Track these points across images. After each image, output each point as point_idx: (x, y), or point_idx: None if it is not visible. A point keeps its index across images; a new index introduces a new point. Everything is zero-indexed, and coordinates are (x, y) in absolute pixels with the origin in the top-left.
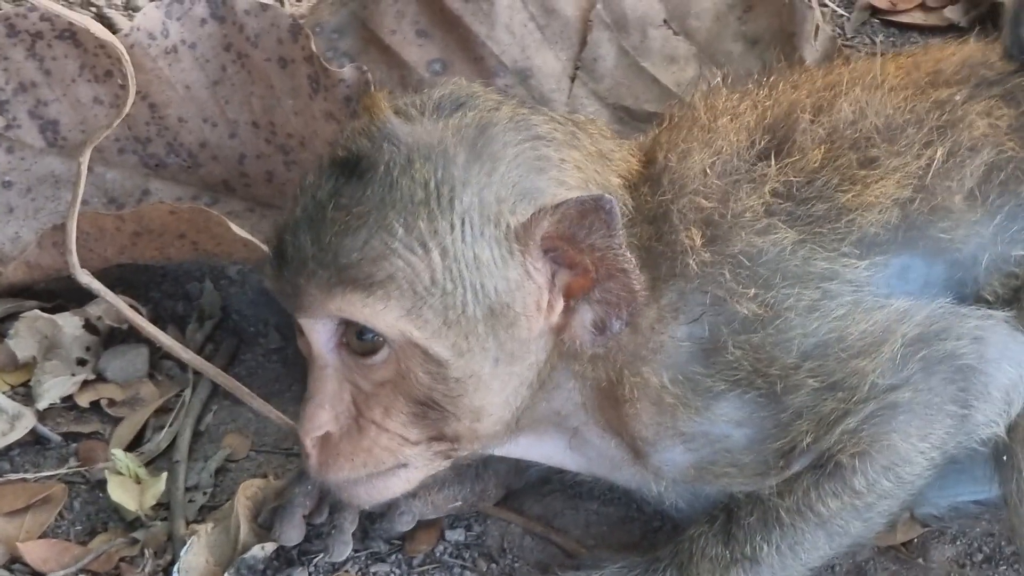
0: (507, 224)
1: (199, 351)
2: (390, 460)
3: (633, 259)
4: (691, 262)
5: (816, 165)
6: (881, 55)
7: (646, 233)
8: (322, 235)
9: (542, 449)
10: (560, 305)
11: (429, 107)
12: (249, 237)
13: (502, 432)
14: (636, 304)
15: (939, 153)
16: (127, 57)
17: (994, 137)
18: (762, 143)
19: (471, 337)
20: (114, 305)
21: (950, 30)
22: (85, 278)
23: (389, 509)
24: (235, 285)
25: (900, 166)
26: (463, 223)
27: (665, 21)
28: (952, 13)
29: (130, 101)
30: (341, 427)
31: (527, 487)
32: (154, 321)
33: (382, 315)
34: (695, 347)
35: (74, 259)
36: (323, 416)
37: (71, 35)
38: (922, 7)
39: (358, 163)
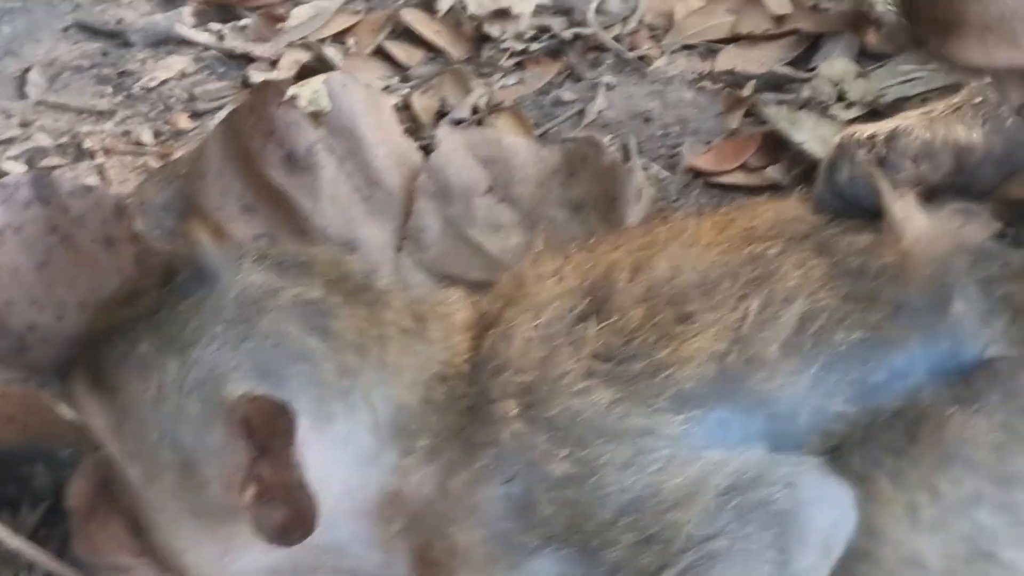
0: (222, 391)
1: (32, 535)
2: None
3: (308, 483)
4: (506, 431)
5: (635, 324)
6: (699, 214)
7: (462, 411)
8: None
9: None
10: (251, 491)
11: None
12: (71, 418)
13: None
14: (306, 527)
15: (754, 305)
16: None
17: (807, 288)
18: (582, 306)
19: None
20: None
21: (773, 189)
22: None
23: None
24: (68, 467)
25: (716, 320)
26: (187, 368)
27: (489, 189)
28: (774, 172)
29: None
30: None
31: None
32: None
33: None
34: (509, 505)
35: None
36: None
37: None
38: (744, 168)
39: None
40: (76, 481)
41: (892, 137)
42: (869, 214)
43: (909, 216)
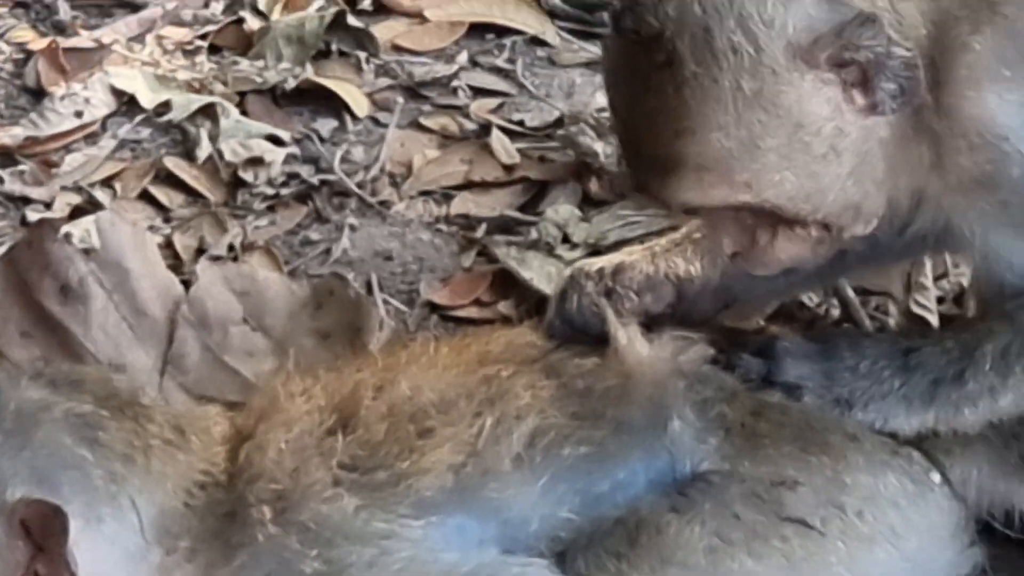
0: (3, 495)
1: None
2: None
3: None
4: (261, 533)
5: (379, 438)
6: (436, 338)
7: (222, 515)
8: None
9: None
10: None
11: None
12: None
13: None
14: None
15: (488, 422)
16: None
17: (537, 406)
18: (330, 421)
19: None
20: None
21: (503, 321)
22: None
23: None
24: None
25: (453, 435)
26: None
27: (244, 319)
28: (504, 307)
29: None
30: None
31: None
32: None
33: None
34: None
35: None
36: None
37: None
38: (476, 302)
39: None
40: None
41: (618, 271)
42: (595, 340)
43: (631, 342)
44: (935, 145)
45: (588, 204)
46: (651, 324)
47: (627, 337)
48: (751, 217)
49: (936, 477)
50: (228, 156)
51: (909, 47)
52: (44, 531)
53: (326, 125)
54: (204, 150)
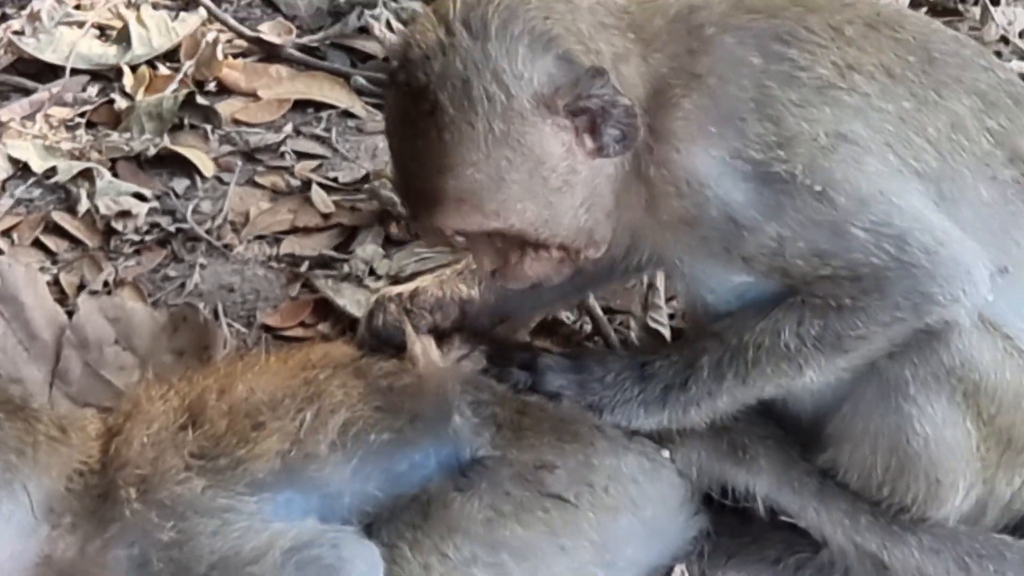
0: None
1: None
2: None
3: None
4: (127, 510)
5: (221, 431)
6: (267, 351)
7: (96, 496)
8: None
9: None
10: None
11: None
12: None
13: None
14: None
15: (308, 415)
16: None
17: (348, 402)
18: (182, 418)
19: None
20: None
21: (323, 339)
22: None
23: None
24: None
25: (280, 427)
26: None
27: (116, 341)
28: (324, 328)
29: None
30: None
31: None
32: None
33: None
34: (131, 563)
35: None
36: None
37: None
38: (302, 324)
39: None
40: None
41: (413, 294)
42: (396, 350)
43: (424, 351)
44: (650, 188)
45: (390, 244)
46: (441, 337)
47: (420, 347)
48: (502, 240)
49: (666, 455)
50: (103, 210)
51: (630, 99)
52: None
53: (180, 184)
54: (83, 206)
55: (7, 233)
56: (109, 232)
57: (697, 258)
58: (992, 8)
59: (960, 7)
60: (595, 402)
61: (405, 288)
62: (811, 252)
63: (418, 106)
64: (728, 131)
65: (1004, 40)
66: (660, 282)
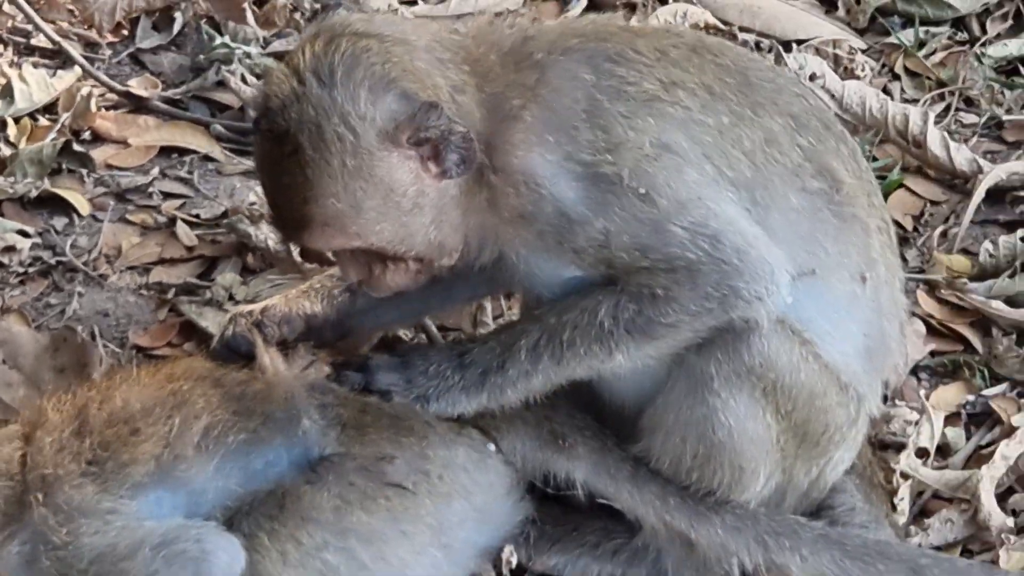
0: None
1: None
2: None
3: None
4: (32, 512)
5: (108, 439)
6: (138, 367)
7: (9, 498)
8: None
9: None
10: None
11: None
12: None
13: None
14: None
15: (176, 421)
16: None
17: (209, 408)
18: (75, 427)
19: None
20: None
21: (188, 355)
22: None
23: None
24: None
25: (153, 432)
26: None
27: (3, 360)
28: (189, 347)
29: None
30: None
31: None
32: None
33: None
34: (21, 560)
35: None
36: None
37: None
38: (169, 344)
39: None
40: None
41: (264, 310)
42: (247, 360)
43: (273, 360)
44: (492, 193)
45: (247, 272)
46: (287, 349)
47: (268, 357)
48: (365, 256)
49: (492, 447)
50: None
51: (465, 126)
52: None
53: (60, 222)
54: None
55: None
56: None
57: (533, 252)
58: (784, 54)
59: (756, 52)
60: (421, 394)
61: (256, 306)
62: (633, 246)
63: (281, 148)
64: (562, 137)
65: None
66: (487, 301)
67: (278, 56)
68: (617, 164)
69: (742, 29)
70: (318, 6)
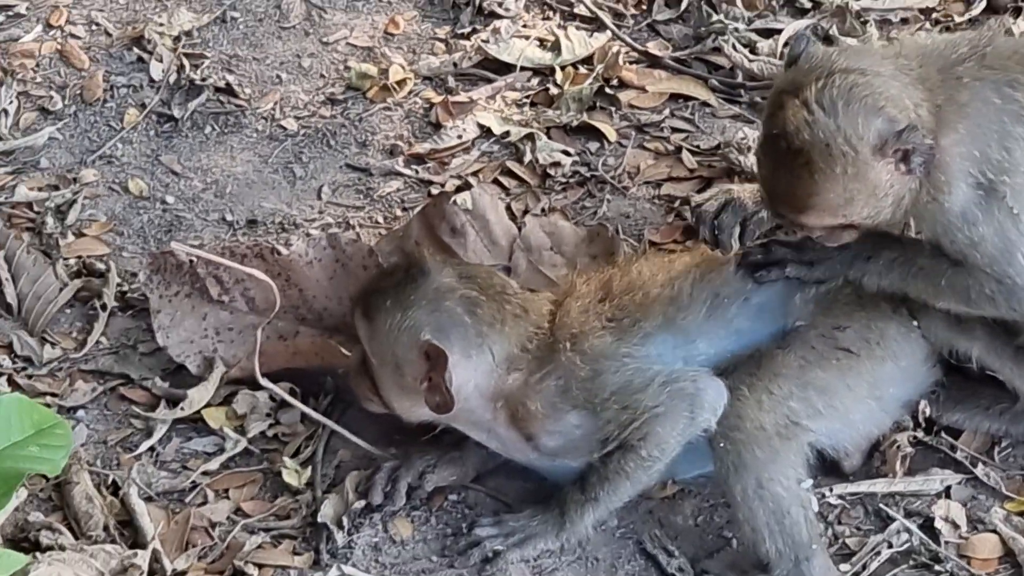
0: (419, 334)
1: (323, 412)
2: None
3: (449, 387)
4: (562, 356)
5: (625, 302)
6: (642, 256)
7: (543, 346)
8: None
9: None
10: (425, 384)
11: None
12: (346, 352)
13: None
14: (448, 407)
15: (679, 286)
16: (270, 281)
17: (704, 278)
18: (600, 295)
19: None
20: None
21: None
22: (262, 380)
23: (420, 479)
24: (341, 377)
25: (660, 295)
26: (406, 318)
27: (551, 247)
28: (691, 244)
29: (278, 302)
30: None
31: (487, 471)
32: (305, 397)
33: None
34: (557, 389)
35: (256, 367)
36: None
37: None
38: (674, 241)
39: None
40: (351, 363)
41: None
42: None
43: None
44: (930, 182)
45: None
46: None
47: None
48: (839, 226)
49: (915, 323)
50: (541, 161)
51: (930, 139)
52: (436, 360)
53: (593, 146)
54: (528, 157)
55: (476, 174)
56: (545, 176)
57: (930, 229)
58: None
59: None
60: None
61: (740, 190)
62: (989, 254)
63: (796, 160)
64: (979, 150)
65: None
66: None
67: (760, 32)
68: (1007, 183)
69: None
70: None
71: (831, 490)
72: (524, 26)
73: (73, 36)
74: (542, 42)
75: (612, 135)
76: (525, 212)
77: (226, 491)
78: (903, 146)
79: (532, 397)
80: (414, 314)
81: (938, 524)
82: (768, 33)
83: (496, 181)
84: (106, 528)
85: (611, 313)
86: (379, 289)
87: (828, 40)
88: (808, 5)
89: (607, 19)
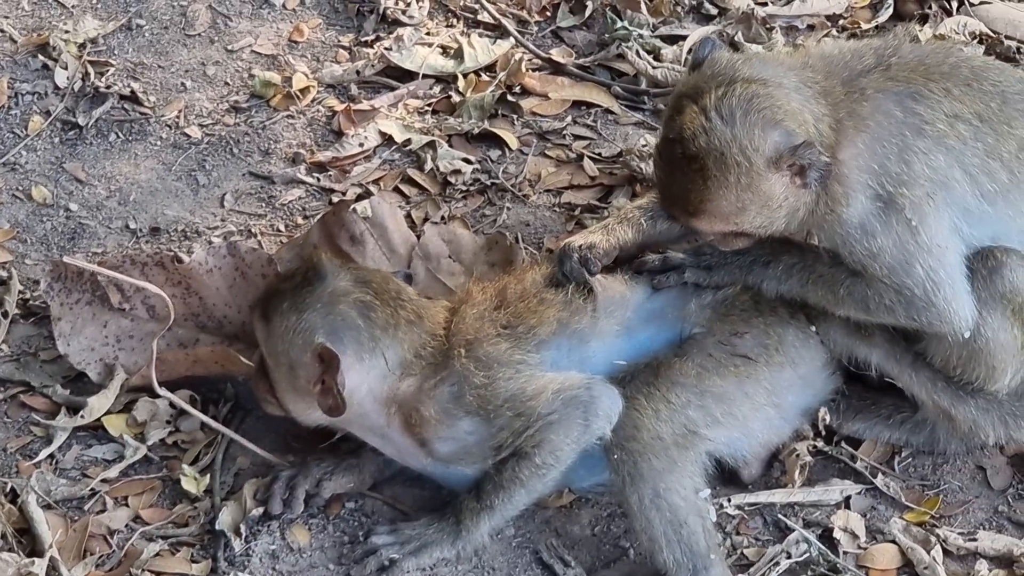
0: (313, 338)
1: (223, 420)
2: None
3: (341, 390)
4: (456, 363)
5: (520, 309)
6: (538, 263)
7: (437, 352)
8: None
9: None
10: (318, 388)
11: None
12: (246, 361)
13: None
14: (340, 410)
15: (572, 294)
16: (162, 293)
17: (602, 285)
18: (495, 302)
19: None
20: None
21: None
22: (159, 389)
23: (318, 487)
24: (241, 385)
25: (555, 300)
26: (301, 321)
27: (448, 255)
28: None
29: (172, 314)
30: None
31: (385, 479)
32: (205, 404)
33: None
34: (450, 395)
35: (153, 377)
36: None
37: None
38: None
39: None
40: (252, 367)
41: (591, 247)
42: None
43: (601, 284)
44: (826, 193)
45: (634, 198)
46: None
47: (598, 283)
48: (731, 232)
49: (813, 329)
50: (442, 169)
51: (827, 155)
52: (330, 363)
53: (494, 153)
54: (428, 165)
55: (377, 182)
56: (445, 184)
57: (827, 238)
58: None
59: (1017, 54)
60: (707, 263)
61: (582, 239)
62: (887, 265)
63: (690, 165)
64: (878, 164)
65: None
66: None
67: (664, 38)
68: (905, 195)
69: (1007, 37)
70: (695, 1)
71: (730, 500)
72: (427, 33)
73: None
74: (445, 49)
75: (514, 143)
76: (425, 220)
77: (125, 499)
78: (799, 161)
79: (426, 403)
80: (309, 317)
81: (837, 534)
82: (673, 40)
83: (397, 189)
84: (3, 536)
85: (506, 320)
86: (277, 292)
87: (734, 46)
88: (714, 12)
89: (511, 26)
